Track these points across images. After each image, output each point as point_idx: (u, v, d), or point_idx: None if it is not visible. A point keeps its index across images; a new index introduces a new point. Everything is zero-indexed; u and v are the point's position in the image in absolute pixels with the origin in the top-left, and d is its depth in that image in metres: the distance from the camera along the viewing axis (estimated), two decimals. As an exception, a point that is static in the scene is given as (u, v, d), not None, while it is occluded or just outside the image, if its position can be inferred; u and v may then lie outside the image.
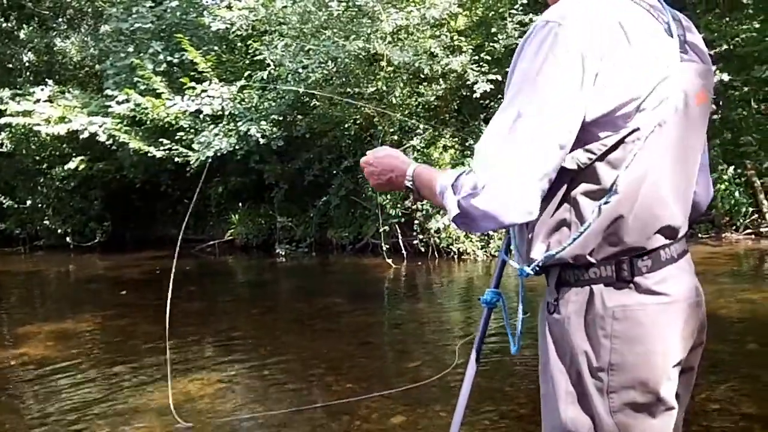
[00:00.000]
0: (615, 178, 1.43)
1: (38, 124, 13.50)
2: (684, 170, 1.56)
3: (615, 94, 1.40)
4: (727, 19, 11.90)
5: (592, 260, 1.48)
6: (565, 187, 1.47)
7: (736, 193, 11.45)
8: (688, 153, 1.57)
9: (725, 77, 10.48)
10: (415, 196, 1.72)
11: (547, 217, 1.50)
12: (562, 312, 1.53)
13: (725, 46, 11.57)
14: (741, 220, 11.64)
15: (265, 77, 12.02)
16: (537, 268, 1.56)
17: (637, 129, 1.43)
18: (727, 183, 11.37)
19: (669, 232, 1.53)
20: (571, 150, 1.44)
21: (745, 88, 12.18)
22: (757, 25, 11.57)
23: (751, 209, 11.67)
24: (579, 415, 1.51)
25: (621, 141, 1.43)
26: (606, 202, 1.44)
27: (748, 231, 11.66)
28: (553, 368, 1.55)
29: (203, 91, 12.42)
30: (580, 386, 1.51)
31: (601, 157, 1.44)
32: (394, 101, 11.13)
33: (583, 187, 1.46)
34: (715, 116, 11.99)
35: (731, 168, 11.55)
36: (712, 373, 4.55)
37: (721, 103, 12.30)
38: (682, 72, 1.49)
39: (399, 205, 11.41)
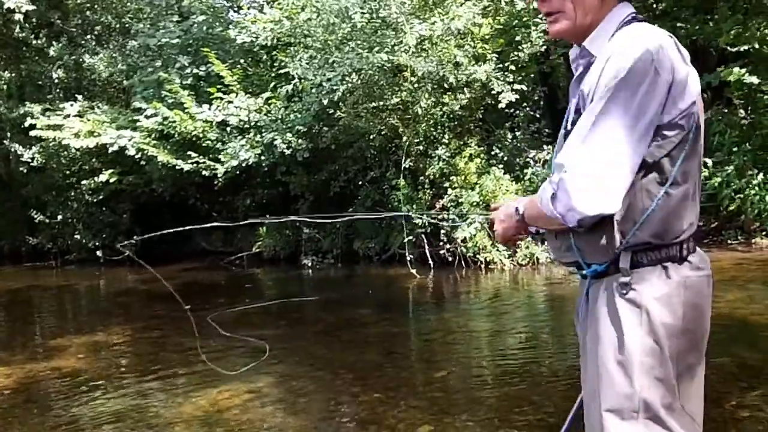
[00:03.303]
0: (674, 170, 1.74)
1: (68, 138, 13.71)
2: (700, 172, 1.86)
3: (681, 100, 1.73)
4: (754, 22, 11.76)
5: (663, 241, 1.76)
6: (639, 178, 1.73)
7: (767, 198, 11.29)
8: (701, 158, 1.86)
9: (754, 80, 10.35)
10: (526, 224, 1.97)
11: (625, 206, 1.73)
12: (638, 289, 1.76)
13: (754, 50, 11.44)
14: (771, 226, 11.48)
15: (290, 90, 12.14)
16: (614, 256, 1.77)
17: (689, 131, 1.75)
18: (757, 188, 11.22)
19: (695, 221, 1.84)
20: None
21: (775, 92, 12.02)
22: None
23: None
24: (653, 384, 1.72)
25: (681, 140, 1.74)
26: (668, 189, 1.74)
27: (779, 237, 11.50)
28: (628, 344, 1.74)
29: (229, 102, 12.58)
30: (655, 356, 1.73)
31: (668, 153, 1.74)
32: (419, 111, 11.14)
33: (653, 176, 1.74)
34: (744, 120, 11.87)
35: (761, 174, 11.40)
36: (742, 380, 4.51)
37: (750, 107, 12.16)
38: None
39: (425, 215, 11.42)
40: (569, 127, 1.84)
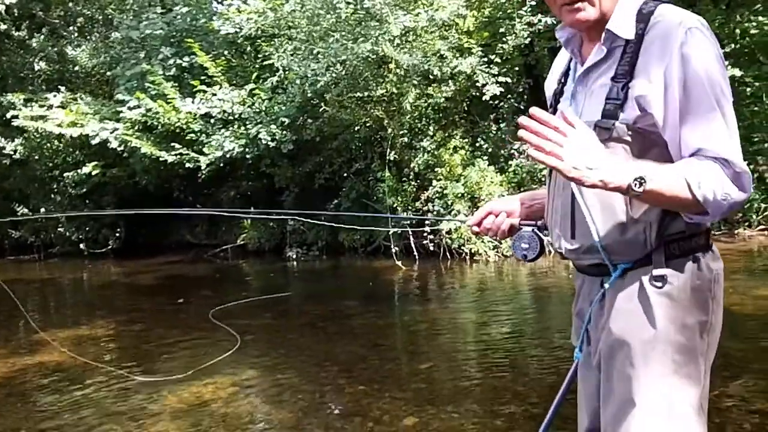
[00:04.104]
0: None
1: (51, 128, 13.60)
2: None
3: None
4: (738, 17, 11.82)
5: (696, 230, 1.70)
6: None
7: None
8: None
9: (737, 73, 10.41)
10: (638, 197, 1.55)
11: None
12: (674, 283, 1.67)
13: (736, 43, 11.51)
14: (754, 216, 11.58)
15: (274, 82, 12.09)
16: (648, 251, 1.67)
17: None
18: (739, 179, 11.28)
19: None
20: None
21: (756, 84, 12.10)
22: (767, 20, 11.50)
23: (764, 205, 11.60)
24: (682, 383, 1.64)
25: None
26: None
27: (762, 227, 11.60)
28: (660, 340, 1.65)
29: (213, 94, 12.51)
30: (685, 354, 1.65)
31: None
32: (404, 104, 11.12)
33: None
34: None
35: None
36: (725, 370, 4.53)
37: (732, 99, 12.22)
38: None
39: (410, 207, 11.42)
40: (598, 117, 1.68)
